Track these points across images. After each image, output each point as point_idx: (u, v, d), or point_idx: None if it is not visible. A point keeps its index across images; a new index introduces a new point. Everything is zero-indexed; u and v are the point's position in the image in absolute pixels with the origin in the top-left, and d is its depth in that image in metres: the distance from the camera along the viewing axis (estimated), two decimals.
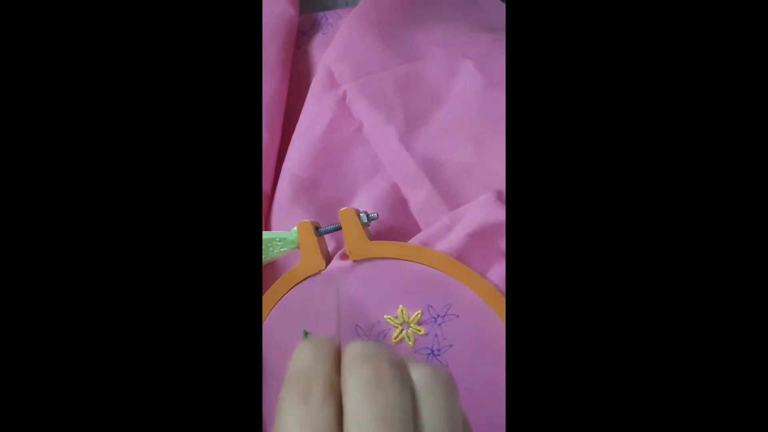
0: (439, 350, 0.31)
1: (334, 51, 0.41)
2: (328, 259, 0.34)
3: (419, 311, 0.32)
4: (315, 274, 0.34)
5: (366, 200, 0.38)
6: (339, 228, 0.34)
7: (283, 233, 0.35)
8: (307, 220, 0.34)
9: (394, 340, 0.32)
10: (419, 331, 0.32)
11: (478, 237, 0.33)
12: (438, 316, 0.32)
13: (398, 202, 0.38)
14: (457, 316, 0.32)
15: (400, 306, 0.32)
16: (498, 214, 0.33)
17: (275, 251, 0.35)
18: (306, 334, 0.33)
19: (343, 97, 0.40)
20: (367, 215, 0.34)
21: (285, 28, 0.42)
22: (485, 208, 0.33)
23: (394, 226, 0.37)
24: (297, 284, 0.34)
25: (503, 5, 0.45)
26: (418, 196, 0.37)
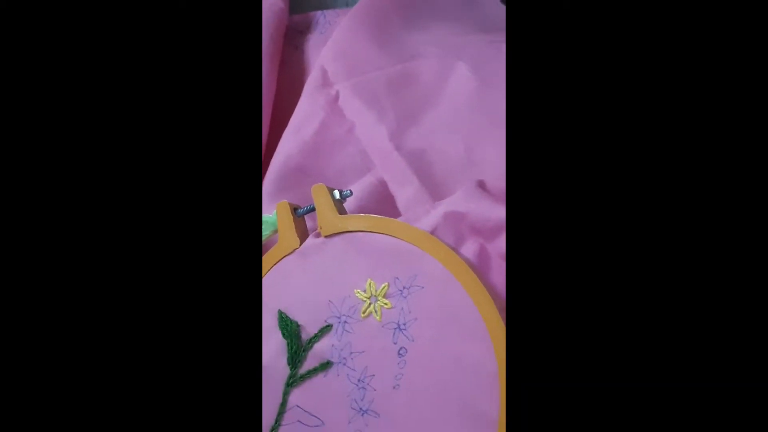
0: (405, 324, 0.30)
1: (330, 51, 0.42)
2: (305, 238, 0.34)
3: (386, 284, 0.31)
4: (290, 253, 0.34)
5: (355, 195, 0.37)
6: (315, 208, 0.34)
7: (265, 216, 0.35)
8: (285, 201, 0.34)
9: (362, 315, 0.31)
10: (386, 304, 0.30)
11: (453, 216, 0.32)
12: (404, 288, 0.30)
13: (386, 197, 0.37)
14: (422, 287, 0.30)
15: (368, 279, 0.31)
16: (477, 198, 0.32)
17: None
18: (281, 313, 0.33)
19: (336, 97, 0.41)
20: (341, 192, 0.34)
21: (274, 21, 0.43)
22: (465, 193, 0.32)
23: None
24: (274, 265, 0.34)
25: (501, 4, 0.44)
26: (406, 193, 0.36)
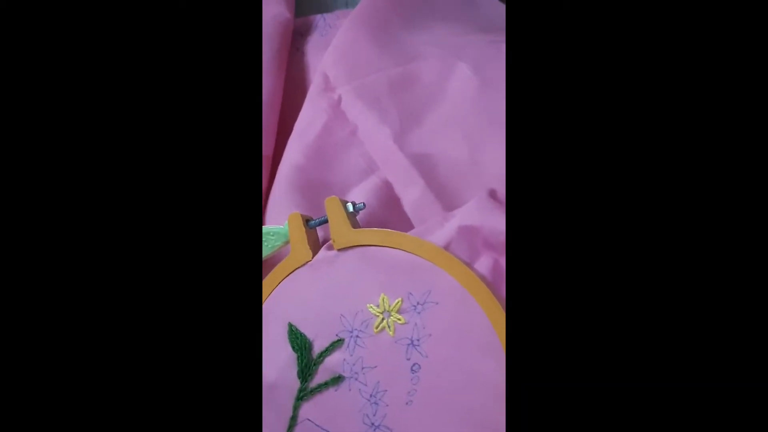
0: (418, 340, 0.30)
1: (331, 56, 0.42)
2: (317, 250, 0.34)
3: (399, 299, 0.30)
4: (302, 266, 0.33)
5: (359, 197, 0.37)
6: (328, 220, 0.34)
7: (276, 227, 0.35)
8: (297, 212, 0.34)
9: (375, 330, 0.31)
10: (399, 320, 0.30)
11: (467, 231, 0.32)
12: (418, 303, 0.30)
13: (391, 200, 0.37)
14: (437, 303, 0.30)
15: (382, 294, 0.31)
16: (490, 211, 0.31)
17: (270, 246, 0.35)
18: (291, 326, 0.32)
19: (338, 101, 0.40)
20: (354, 205, 0.34)
21: (280, 31, 0.43)
22: (478, 205, 0.32)
23: (386, 222, 0.36)
24: (286, 277, 0.34)
25: (501, 4, 0.44)
26: (412, 195, 0.36)
